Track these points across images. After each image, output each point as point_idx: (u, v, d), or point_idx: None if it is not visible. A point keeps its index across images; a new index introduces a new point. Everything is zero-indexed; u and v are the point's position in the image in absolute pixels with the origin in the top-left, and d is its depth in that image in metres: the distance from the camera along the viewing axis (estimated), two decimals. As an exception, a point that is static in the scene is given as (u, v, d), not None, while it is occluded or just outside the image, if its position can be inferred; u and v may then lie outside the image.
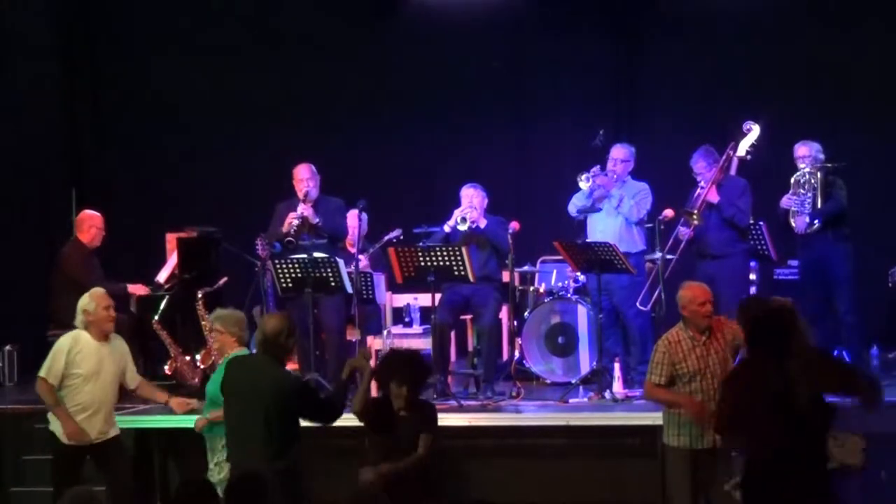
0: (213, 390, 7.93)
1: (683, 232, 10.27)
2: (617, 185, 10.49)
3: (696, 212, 10.09)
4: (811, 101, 12.27)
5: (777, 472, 6.43)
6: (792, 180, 10.36)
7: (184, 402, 8.82)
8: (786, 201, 10.35)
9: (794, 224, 10.30)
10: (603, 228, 10.47)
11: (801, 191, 10.32)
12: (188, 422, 8.40)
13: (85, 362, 8.42)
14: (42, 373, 8.44)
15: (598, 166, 10.54)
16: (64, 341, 8.48)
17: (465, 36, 12.99)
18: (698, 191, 10.27)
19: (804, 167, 10.32)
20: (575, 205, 10.59)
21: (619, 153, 10.60)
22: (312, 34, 13.25)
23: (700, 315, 7.75)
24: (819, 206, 10.24)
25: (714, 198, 10.17)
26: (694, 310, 7.77)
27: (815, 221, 10.23)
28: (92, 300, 8.53)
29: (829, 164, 10.29)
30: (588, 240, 10.40)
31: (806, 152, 10.37)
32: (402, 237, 11.11)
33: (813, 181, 10.29)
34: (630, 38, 12.95)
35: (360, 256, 10.47)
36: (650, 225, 10.52)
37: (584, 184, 10.44)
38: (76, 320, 8.54)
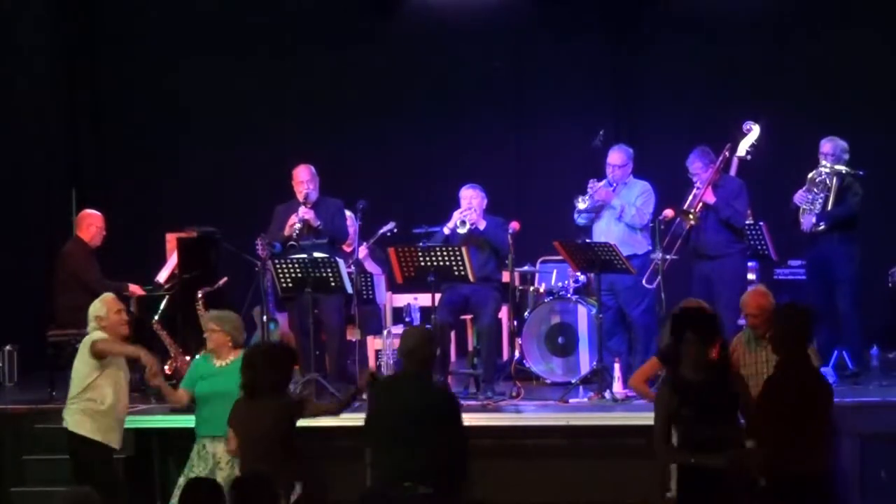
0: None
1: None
2: (617, 191, 10.42)
3: (692, 211, 10.08)
4: (811, 101, 12.28)
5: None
6: (809, 176, 10.34)
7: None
8: (798, 197, 10.32)
9: (801, 221, 10.31)
10: (607, 233, 10.41)
11: (815, 189, 10.29)
12: (188, 422, 8.39)
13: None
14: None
15: (594, 179, 10.46)
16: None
17: (465, 36, 12.98)
18: (694, 191, 10.26)
19: (825, 164, 10.28)
20: (579, 216, 10.55)
21: (616, 159, 10.49)
22: (312, 34, 13.24)
23: None
24: (829, 208, 10.23)
25: (710, 199, 10.16)
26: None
27: (821, 223, 10.22)
28: (103, 305, 8.42)
29: (846, 170, 10.24)
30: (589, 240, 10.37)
31: (829, 150, 10.29)
32: (395, 230, 11.11)
33: (828, 182, 10.26)
34: (630, 39, 12.94)
35: (357, 255, 10.49)
36: (651, 224, 10.48)
37: (581, 204, 10.40)
38: (89, 327, 8.45)
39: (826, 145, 10.33)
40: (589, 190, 10.36)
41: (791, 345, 6.75)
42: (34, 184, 12.73)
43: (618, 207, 10.36)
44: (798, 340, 6.76)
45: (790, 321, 6.82)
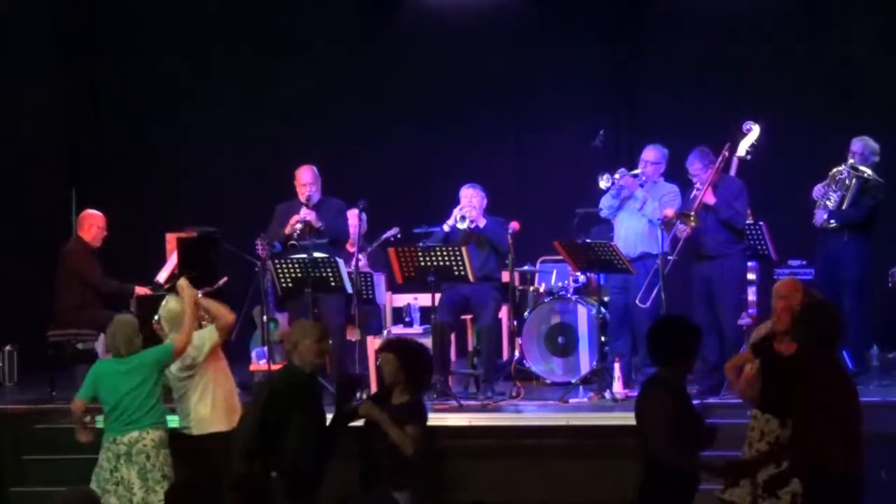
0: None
1: (682, 229, 10.19)
2: (645, 186, 10.41)
3: (692, 213, 10.06)
4: (811, 101, 12.28)
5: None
6: (831, 172, 10.32)
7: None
8: (816, 190, 10.35)
9: (815, 213, 10.31)
10: (627, 227, 10.42)
11: (834, 186, 10.29)
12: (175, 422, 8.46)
13: None
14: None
15: (624, 168, 10.46)
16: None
17: (464, 35, 12.99)
18: (694, 192, 10.26)
19: (851, 163, 10.26)
20: (603, 204, 10.55)
21: (650, 155, 10.46)
22: (312, 34, 13.25)
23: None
24: (843, 207, 10.23)
25: (710, 199, 10.13)
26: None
27: (832, 220, 10.23)
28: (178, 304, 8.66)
29: (869, 174, 10.21)
30: (610, 240, 10.32)
31: (859, 149, 10.30)
32: (399, 235, 11.12)
33: (848, 182, 10.25)
34: (630, 39, 12.95)
35: (360, 255, 10.49)
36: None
37: (603, 183, 10.37)
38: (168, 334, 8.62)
39: (856, 144, 10.32)
40: (617, 174, 10.35)
41: (817, 345, 6.56)
42: (34, 184, 12.73)
43: (640, 198, 10.34)
44: (824, 341, 6.56)
45: (816, 321, 6.62)
